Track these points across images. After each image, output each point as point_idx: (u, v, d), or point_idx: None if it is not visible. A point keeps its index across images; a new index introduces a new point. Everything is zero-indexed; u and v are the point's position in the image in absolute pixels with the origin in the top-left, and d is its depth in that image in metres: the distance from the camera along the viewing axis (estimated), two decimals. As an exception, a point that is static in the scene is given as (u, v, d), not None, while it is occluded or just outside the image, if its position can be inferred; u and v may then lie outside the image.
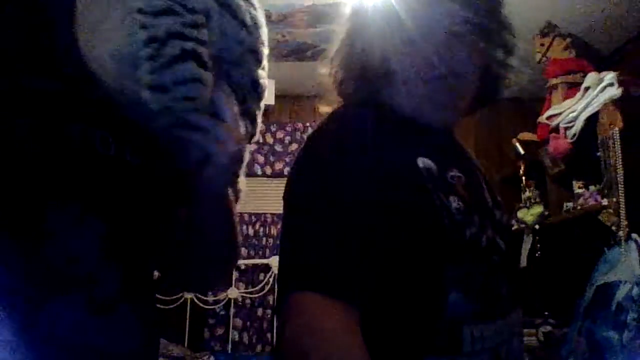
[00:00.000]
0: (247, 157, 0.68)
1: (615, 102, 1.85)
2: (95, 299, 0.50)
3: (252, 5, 0.62)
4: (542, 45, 2.40)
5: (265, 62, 0.66)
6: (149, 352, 0.58)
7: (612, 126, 1.82)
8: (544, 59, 2.42)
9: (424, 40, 0.70)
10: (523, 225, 2.60)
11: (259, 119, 0.70)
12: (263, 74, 0.66)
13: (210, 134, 0.56)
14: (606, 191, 1.86)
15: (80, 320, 0.48)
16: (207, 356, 2.67)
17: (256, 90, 0.66)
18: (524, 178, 2.69)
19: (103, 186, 0.54)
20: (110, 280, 0.52)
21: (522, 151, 2.68)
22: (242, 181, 0.70)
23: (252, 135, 0.69)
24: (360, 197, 0.64)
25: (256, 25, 0.63)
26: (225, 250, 0.72)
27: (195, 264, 0.68)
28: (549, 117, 2.31)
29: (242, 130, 0.62)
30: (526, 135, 2.66)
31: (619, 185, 1.75)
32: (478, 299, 0.67)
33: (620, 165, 1.75)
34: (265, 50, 0.66)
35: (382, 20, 0.74)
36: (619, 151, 1.76)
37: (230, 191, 0.67)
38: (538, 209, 2.54)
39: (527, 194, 2.64)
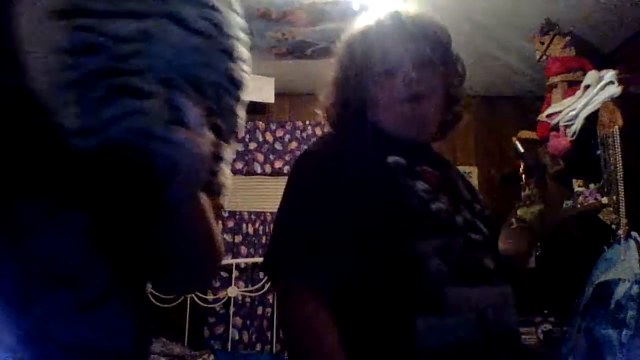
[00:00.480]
0: (228, 154, 0.67)
1: (615, 101, 1.85)
2: (82, 296, 0.49)
3: (205, 6, 0.59)
4: (542, 43, 2.40)
5: (240, 53, 0.63)
6: (141, 347, 0.58)
7: (612, 124, 1.82)
8: (544, 57, 2.42)
9: (401, 69, 0.89)
10: (523, 224, 2.59)
11: (240, 112, 0.67)
12: (239, 65, 0.64)
13: (169, 142, 0.54)
14: (606, 189, 1.86)
15: (68, 318, 0.48)
16: (207, 355, 2.67)
17: (233, 83, 0.64)
18: (523, 176, 2.69)
19: (82, 179, 0.53)
20: (98, 275, 0.51)
21: (521, 149, 2.67)
22: (227, 174, 0.69)
23: (232, 127, 0.67)
24: (332, 197, 0.81)
25: (216, 26, 0.60)
26: (201, 252, 0.69)
27: (169, 265, 0.66)
28: (549, 116, 2.31)
29: (207, 132, 0.60)
30: (526, 134, 2.66)
31: (619, 184, 1.75)
32: (458, 266, 0.79)
33: (620, 164, 1.75)
34: (237, 43, 0.63)
35: (365, 54, 0.93)
36: (619, 149, 1.76)
37: (204, 195, 0.65)
38: (538, 207, 2.54)
39: (527, 192, 2.63)
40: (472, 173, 3.05)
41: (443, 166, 0.94)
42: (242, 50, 0.64)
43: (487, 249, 0.87)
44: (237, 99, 0.66)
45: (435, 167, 0.89)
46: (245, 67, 0.65)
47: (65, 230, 0.50)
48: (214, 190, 0.68)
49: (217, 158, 0.64)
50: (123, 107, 0.50)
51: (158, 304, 2.90)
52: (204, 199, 0.65)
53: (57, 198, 0.50)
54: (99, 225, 0.52)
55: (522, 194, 2.74)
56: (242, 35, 0.64)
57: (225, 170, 0.68)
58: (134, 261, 0.58)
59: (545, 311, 2.47)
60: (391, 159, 0.85)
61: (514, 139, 2.74)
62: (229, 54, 0.62)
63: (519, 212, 2.84)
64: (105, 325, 0.51)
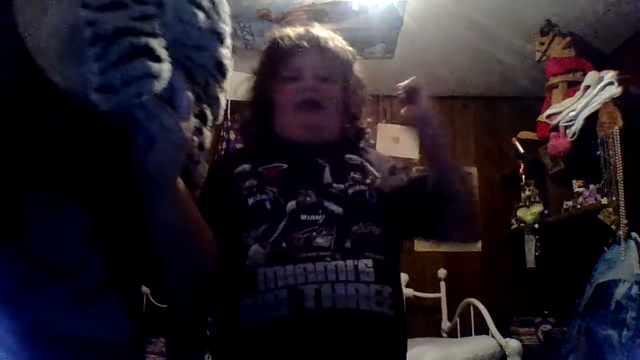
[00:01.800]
0: (208, 143, 0.67)
1: (615, 101, 1.85)
2: (79, 289, 0.49)
3: None
4: (542, 44, 2.40)
5: (228, 41, 0.64)
6: (136, 342, 0.58)
7: (612, 125, 1.82)
8: (544, 57, 2.42)
9: (299, 78, 1.02)
10: (522, 225, 2.60)
11: (223, 101, 0.68)
12: (227, 52, 0.65)
13: (155, 118, 0.55)
14: (606, 190, 1.87)
15: (66, 310, 0.48)
16: (207, 355, 2.67)
17: (220, 70, 0.64)
18: (523, 177, 2.70)
19: (82, 175, 0.53)
20: (94, 269, 0.51)
21: (522, 150, 2.68)
22: (204, 165, 0.69)
23: (215, 118, 0.68)
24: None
25: (214, 4, 0.61)
26: (188, 253, 0.67)
27: (155, 264, 0.65)
28: (549, 116, 2.31)
29: (192, 116, 0.61)
30: (526, 134, 2.66)
31: (619, 184, 1.75)
32: (273, 247, 0.88)
33: (620, 164, 1.75)
34: (228, 29, 0.64)
35: (273, 61, 1.06)
36: (619, 150, 1.76)
37: (184, 184, 0.64)
38: (538, 208, 2.54)
39: (527, 192, 2.64)
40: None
41: (309, 161, 1.00)
42: (227, 33, 0.64)
43: (327, 226, 0.91)
44: (222, 88, 0.66)
45: (295, 162, 0.99)
46: (229, 54, 0.65)
47: (65, 224, 0.50)
48: (195, 180, 0.68)
49: (200, 147, 0.65)
50: (143, 68, 0.51)
51: (158, 304, 2.90)
52: (186, 191, 0.65)
53: (58, 192, 0.51)
54: (96, 220, 0.53)
55: (522, 194, 2.76)
56: (229, 21, 0.65)
57: (202, 162, 0.68)
58: (127, 257, 0.58)
59: (546, 312, 2.47)
60: (239, 168, 1.00)
61: (513, 139, 2.75)
62: (221, 39, 0.63)
63: (518, 212, 2.85)
64: (102, 318, 0.51)
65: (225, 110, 3.21)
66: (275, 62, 1.06)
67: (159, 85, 0.53)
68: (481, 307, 2.42)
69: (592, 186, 2.14)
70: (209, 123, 0.67)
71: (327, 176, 0.99)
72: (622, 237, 1.72)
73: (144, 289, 3.11)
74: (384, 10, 2.25)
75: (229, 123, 3.22)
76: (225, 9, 0.63)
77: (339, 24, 2.36)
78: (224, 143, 3.22)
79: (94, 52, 0.49)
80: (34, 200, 0.49)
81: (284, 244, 0.89)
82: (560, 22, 2.34)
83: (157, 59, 0.52)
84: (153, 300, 2.89)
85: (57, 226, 0.50)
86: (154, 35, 0.53)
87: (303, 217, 0.92)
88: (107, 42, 0.49)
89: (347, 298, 0.87)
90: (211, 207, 0.89)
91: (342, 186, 0.98)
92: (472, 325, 2.53)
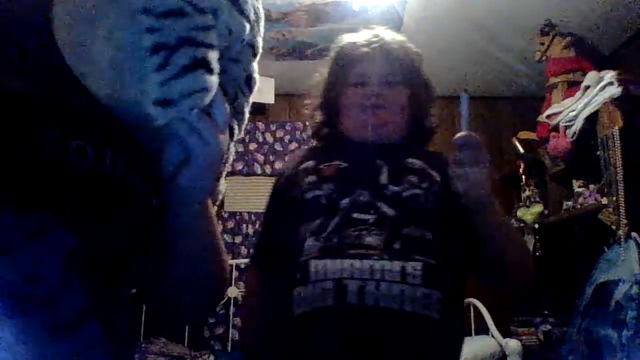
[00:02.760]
0: (231, 157, 0.66)
1: (615, 101, 1.85)
2: (56, 320, 0.45)
3: None
4: (542, 44, 2.40)
5: (259, 54, 0.63)
6: None
7: (611, 125, 1.82)
8: (544, 58, 2.42)
9: (365, 83, 1.07)
10: (522, 225, 2.60)
11: (247, 114, 0.66)
12: (256, 66, 0.63)
13: (194, 131, 0.52)
14: (606, 190, 1.86)
15: (41, 343, 0.44)
16: (207, 355, 2.67)
17: (249, 84, 0.63)
18: (523, 177, 2.70)
19: (72, 198, 0.48)
20: (75, 296, 0.47)
21: (522, 150, 2.68)
22: (222, 182, 0.67)
23: (240, 131, 0.66)
24: (269, 203, 1.14)
25: (257, 17, 0.59)
26: (207, 270, 0.64)
27: (172, 286, 0.61)
28: (549, 116, 2.31)
29: (227, 131, 0.59)
30: (526, 134, 2.66)
31: (619, 184, 1.75)
32: (325, 242, 0.93)
33: (620, 164, 1.75)
34: (261, 42, 0.62)
35: (341, 67, 1.11)
36: (619, 150, 1.76)
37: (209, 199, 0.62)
38: (538, 208, 2.54)
39: (527, 192, 2.64)
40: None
41: (369, 162, 1.03)
42: (260, 46, 0.62)
43: (378, 226, 0.93)
44: (248, 103, 0.64)
45: (356, 162, 1.04)
46: (256, 67, 0.64)
47: (47, 251, 0.45)
48: (214, 197, 0.66)
49: (222, 163, 0.62)
50: (202, 81, 0.49)
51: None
52: (212, 207, 0.62)
53: (43, 216, 0.45)
54: (85, 244, 0.48)
55: (522, 194, 2.75)
56: (262, 33, 0.63)
57: (223, 176, 0.66)
58: (117, 279, 0.54)
59: (546, 312, 2.47)
60: (304, 165, 1.08)
61: (513, 139, 2.75)
62: (255, 53, 0.61)
63: (518, 212, 2.85)
64: (81, 349, 0.47)
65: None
66: (342, 69, 1.11)
67: (209, 97, 0.51)
68: (481, 307, 2.42)
69: (592, 186, 2.14)
70: (235, 138, 0.65)
71: (384, 177, 1.01)
72: (622, 237, 1.72)
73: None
74: (384, 10, 2.25)
75: (229, 123, 3.22)
76: (263, 23, 0.62)
77: (339, 24, 2.37)
78: (224, 143, 3.23)
79: (155, 62, 0.46)
80: (10, 226, 0.43)
81: (335, 240, 0.93)
82: (560, 22, 2.34)
83: (212, 72, 0.50)
84: (153, 300, 2.89)
85: (37, 254, 0.44)
86: (211, 46, 0.50)
87: (355, 215, 0.96)
88: (169, 52, 0.47)
89: (391, 298, 0.87)
90: (280, 200, 1.07)
91: (397, 188, 0.99)
92: (472, 325, 2.53)
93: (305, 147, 1.24)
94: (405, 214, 0.96)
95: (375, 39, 1.09)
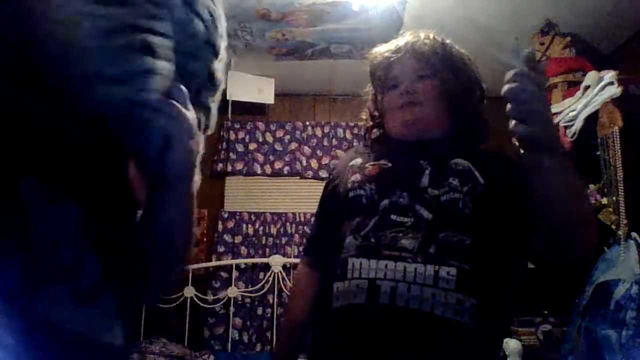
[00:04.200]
0: (201, 150, 0.67)
1: (615, 101, 1.85)
2: (80, 288, 0.49)
3: None
4: (542, 44, 2.40)
5: (223, 54, 0.65)
6: (127, 342, 0.58)
7: (611, 125, 1.82)
8: (544, 57, 2.42)
9: (398, 83, 1.10)
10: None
11: (214, 111, 0.68)
12: (220, 66, 0.66)
13: (170, 116, 0.55)
14: (606, 190, 1.86)
15: (69, 309, 0.47)
16: (207, 355, 2.67)
17: (212, 82, 0.65)
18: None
19: (75, 170, 0.52)
20: (92, 267, 0.50)
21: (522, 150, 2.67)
22: (197, 179, 0.67)
23: (207, 127, 0.68)
24: (324, 193, 1.20)
25: (213, 18, 0.62)
26: (186, 252, 0.68)
27: (148, 265, 0.64)
28: (549, 116, 2.30)
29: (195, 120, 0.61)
30: (526, 134, 2.66)
31: (619, 184, 1.75)
32: (363, 241, 0.96)
33: (620, 164, 1.75)
34: (223, 43, 0.65)
35: (379, 73, 1.14)
36: (619, 150, 1.76)
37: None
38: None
39: (527, 193, 2.64)
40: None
41: (411, 161, 1.04)
42: (222, 46, 0.65)
43: (415, 229, 0.94)
44: (214, 99, 0.66)
45: (399, 162, 1.06)
46: (222, 68, 0.66)
47: (64, 219, 0.49)
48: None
49: (197, 152, 0.64)
50: (143, 63, 0.52)
51: (158, 304, 2.90)
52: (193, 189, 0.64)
53: (56, 185, 0.49)
54: (90, 218, 0.52)
55: (522, 194, 2.73)
56: (225, 36, 0.65)
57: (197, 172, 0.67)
58: (120, 257, 0.57)
59: (545, 311, 2.47)
60: (352, 161, 1.12)
61: (513, 139, 2.74)
62: (215, 51, 0.63)
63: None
64: (101, 319, 0.51)
65: (226, 111, 3.18)
66: (377, 76, 1.16)
67: (163, 82, 0.53)
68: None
69: (592, 186, 2.14)
70: (206, 132, 0.67)
71: (425, 180, 1.01)
72: (622, 237, 1.72)
73: (144, 289, 3.09)
74: (384, 10, 2.25)
75: (229, 123, 3.22)
76: (222, 23, 0.64)
77: (339, 24, 2.37)
78: (224, 143, 3.22)
79: (98, 45, 0.50)
80: (34, 190, 0.47)
81: (372, 239, 0.96)
82: (560, 22, 2.34)
83: (159, 57, 0.53)
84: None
85: (56, 221, 0.48)
86: (160, 34, 0.54)
87: (393, 217, 0.97)
88: (113, 36, 0.51)
89: (422, 301, 0.88)
90: (330, 195, 1.13)
91: (436, 192, 0.99)
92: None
93: (356, 145, 1.22)
94: (442, 218, 0.95)
95: (399, 44, 1.12)
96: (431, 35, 1.13)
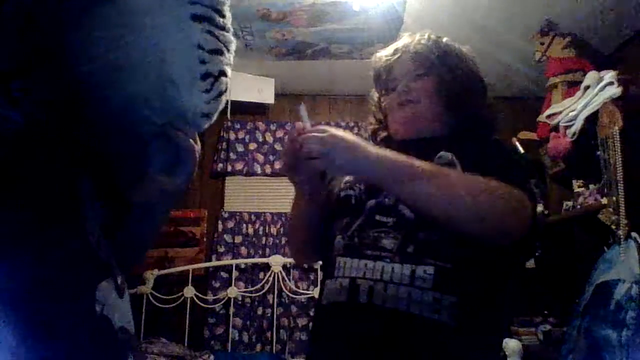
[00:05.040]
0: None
1: (615, 101, 1.85)
2: (117, 283, 0.52)
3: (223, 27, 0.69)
4: (542, 44, 2.40)
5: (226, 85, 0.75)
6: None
7: (612, 125, 1.82)
8: (544, 57, 2.42)
9: (394, 86, 1.11)
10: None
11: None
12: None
13: (187, 141, 0.65)
14: (606, 190, 1.86)
15: (117, 303, 0.51)
16: (207, 355, 2.67)
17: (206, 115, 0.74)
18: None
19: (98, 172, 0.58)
20: (117, 265, 0.54)
21: (522, 150, 2.67)
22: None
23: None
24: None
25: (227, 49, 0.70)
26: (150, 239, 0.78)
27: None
28: (549, 116, 2.31)
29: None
30: (526, 134, 2.66)
31: (619, 184, 1.75)
32: (349, 240, 0.99)
33: (620, 164, 1.75)
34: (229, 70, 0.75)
35: (378, 75, 1.16)
36: (619, 150, 1.76)
37: None
38: (538, 208, 2.54)
39: (527, 193, 2.63)
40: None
41: (421, 156, 0.96)
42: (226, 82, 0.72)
43: (396, 229, 0.95)
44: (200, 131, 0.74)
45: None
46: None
47: (95, 218, 0.52)
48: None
49: None
50: (221, 104, 0.66)
51: (158, 304, 2.90)
52: None
53: (95, 184, 0.54)
54: (111, 215, 0.56)
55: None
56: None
57: None
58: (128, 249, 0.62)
59: (545, 312, 2.47)
60: None
61: (513, 139, 2.74)
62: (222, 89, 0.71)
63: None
64: (129, 311, 0.55)
65: (226, 110, 3.18)
66: (378, 79, 1.17)
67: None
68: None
69: (592, 186, 2.14)
70: None
71: None
72: (622, 237, 1.72)
73: (144, 289, 3.10)
74: (384, 10, 2.25)
75: (229, 123, 3.22)
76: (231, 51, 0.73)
77: (339, 24, 2.37)
78: (224, 143, 3.22)
79: (204, 86, 0.61)
80: (85, 190, 0.52)
81: (356, 239, 0.98)
82: (560, 22, 2.34)
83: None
84: (153, 301, 2.89)
85: (95, 219, 0.52)
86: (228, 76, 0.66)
87: (377, 217, 0.99)
88: (214, 80, 0.63)
89: (398, 300, 0.89)
90: (328, 194, 1.11)
91: None
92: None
93: None
94: (423, 218, 0.93)
95: (401, 46, 1.13)
96: (426, 35, 1.14)
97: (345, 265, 0.96)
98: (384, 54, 1.16)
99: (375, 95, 1.22)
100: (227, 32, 0.66)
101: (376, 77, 1.18)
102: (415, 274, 0.90)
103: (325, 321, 1.00)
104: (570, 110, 2.13)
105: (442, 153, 0.99)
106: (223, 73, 0.63)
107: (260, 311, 3.00)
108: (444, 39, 1.15)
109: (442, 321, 0.87)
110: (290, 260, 2.98)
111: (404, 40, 1.15)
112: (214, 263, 3.03)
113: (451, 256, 0.91)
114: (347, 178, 1.09)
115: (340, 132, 0.93)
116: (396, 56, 1.12)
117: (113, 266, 0.52)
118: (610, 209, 1.80)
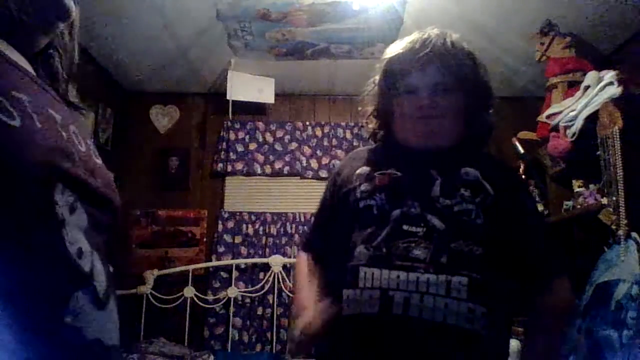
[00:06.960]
0: None
1: (615, 101, 1.85)
2: (96, 294, 0.50)
3: None
4: (542, 44, 2.40)
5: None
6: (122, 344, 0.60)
7: (611, 125, 1.82)
8: (544, 57, 2.42)
9: (417, 92, 1.05)
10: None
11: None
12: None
13: None
14: (606, 190, 1.86)
15: (91, 315, 0.48)
16: (207, 355, 2.67)
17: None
18: (523, 177, 2.69)
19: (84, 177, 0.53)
20: (102, 274, 0.52)
21: (521, 150, 2.68)
22: None
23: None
24: (325, 196, 1.19)
25: None
26: None
27: None
28: (549, 116, 2.31)
29: None
30: (526, 134, 2.66)
31: (619, 184, 1.75)
32: (375, 251, 0.96)
33: (620, 164, 1.75)
34: None
35: (394, 76, 1.09)
36: (619, 150, 1.76)
37: None
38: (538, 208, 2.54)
39: (527, 193, 2.64)
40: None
41: (422, 171, 1.03)
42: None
43: (427, 239, 0.94)
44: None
45: (409, 172, 1.04)
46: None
47: (78, 226, 0.50)
48: None
49: None
50: None
51: (158, 304, 2.90)
52: None
53: (74, 191, 0.50)
54: (96, 222, 0.53)
55: (522, 194, 2.73)
56: None
57: None
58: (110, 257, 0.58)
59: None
60: (360, 169, 1.09)
61: (513, 139, 2.74)
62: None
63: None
64: (112, 323, 0.52)
65: (226, 110, 3.17)
66: (393, 79, 1.08)
67: None
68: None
69: (592, 186, 2.14)
70: None
71: (436, 190, 1.00)
72: (622, 237, 1.71)
73: (144, 289, 3.10)
74: (384, 10, 2.25)
75: (229, 123, 3.22)
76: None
77: (339, 24, 2.37)
78: (224, 143, 3.22)
79: None
80: (63, 196, 0.48)
81: (384, 250, 0.96)
82: (560, 22, 2.34)
83: None
84: (153, 301, 2.89)
85: (77, 230, 0.49)
86: None
87: (405, 227, 0.97)
88: None
89: (434, 311, 0.89)
90: (336, 200, 1.11)
91: (448, 202, 0.98)
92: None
93: (363, 147, 1.24)
94: (454, 228, 0.96)
95: (425, 46, 1.04)
96: (457, 43, 1.07)
97: (374, 276, 0.94)
98: (404, 49, 1.07)
99: (377, 88, 1.14)
100: None
101: (391, 71, 1.09)
102: (450, 284, 0.90)
103: (351, 333, 0.96)
104: (570, 110, 2.13)
105: (468, 169, 1.02)
106: None
107: (260, 311, 3.00)
108: (464, 44, 1.09)
109: (475, 331, 0.90)
110: (291, 260, 2.98)
111: (431, 38, 1.05)
112: (214, 263, 3.03)
113: (481, 267, 0.93)
114: (363, 187, 1.05)
115: None
116: (422, 57, 1.04)
117: (94, 276, 0.49)
118: (610, 209, 1.80)
